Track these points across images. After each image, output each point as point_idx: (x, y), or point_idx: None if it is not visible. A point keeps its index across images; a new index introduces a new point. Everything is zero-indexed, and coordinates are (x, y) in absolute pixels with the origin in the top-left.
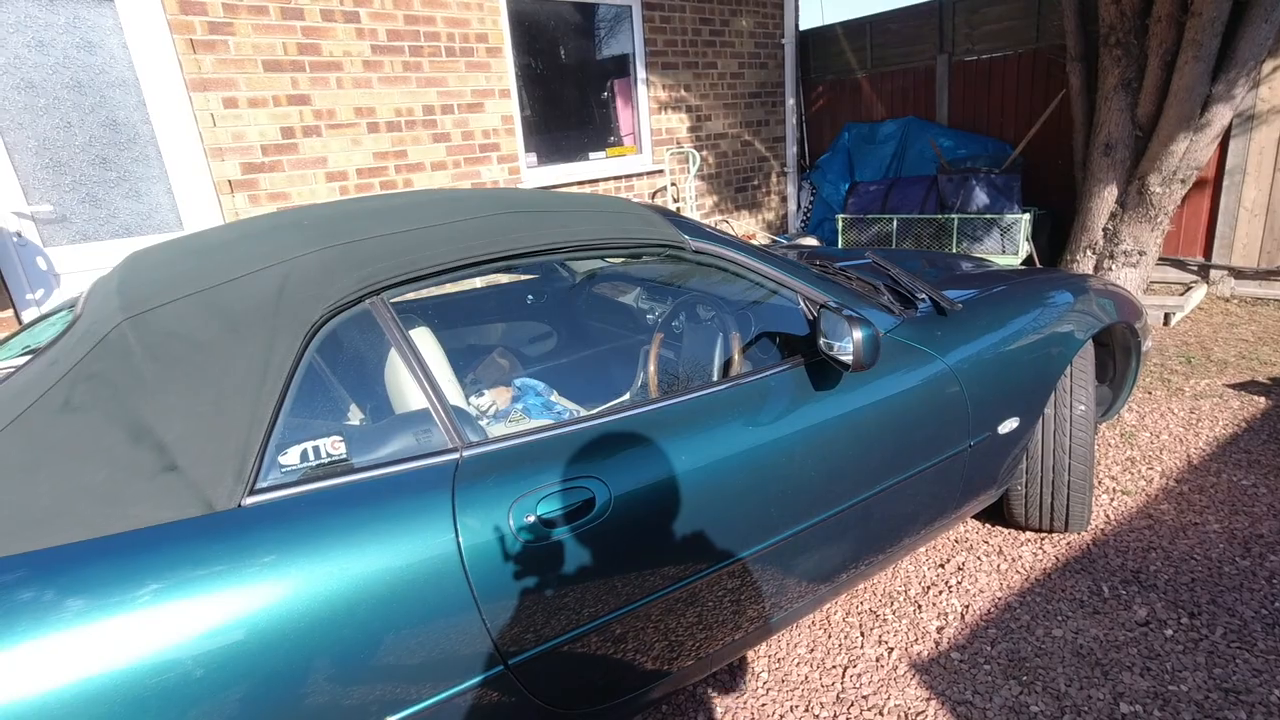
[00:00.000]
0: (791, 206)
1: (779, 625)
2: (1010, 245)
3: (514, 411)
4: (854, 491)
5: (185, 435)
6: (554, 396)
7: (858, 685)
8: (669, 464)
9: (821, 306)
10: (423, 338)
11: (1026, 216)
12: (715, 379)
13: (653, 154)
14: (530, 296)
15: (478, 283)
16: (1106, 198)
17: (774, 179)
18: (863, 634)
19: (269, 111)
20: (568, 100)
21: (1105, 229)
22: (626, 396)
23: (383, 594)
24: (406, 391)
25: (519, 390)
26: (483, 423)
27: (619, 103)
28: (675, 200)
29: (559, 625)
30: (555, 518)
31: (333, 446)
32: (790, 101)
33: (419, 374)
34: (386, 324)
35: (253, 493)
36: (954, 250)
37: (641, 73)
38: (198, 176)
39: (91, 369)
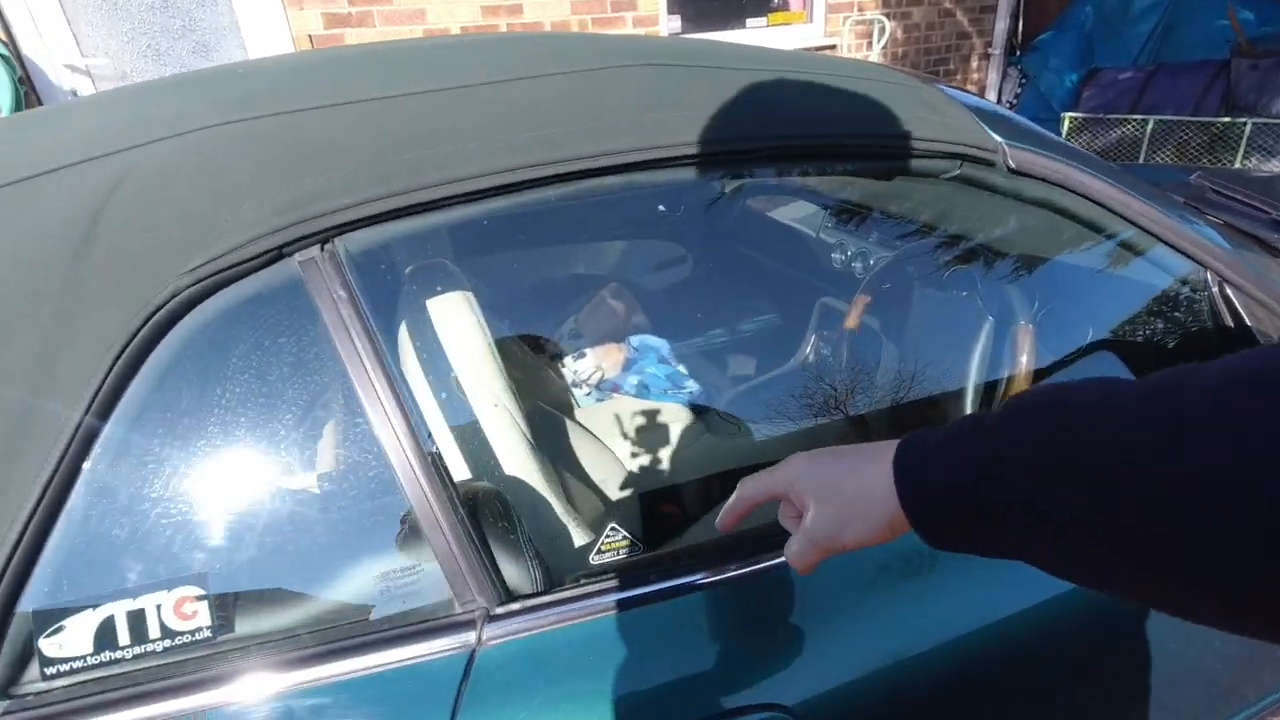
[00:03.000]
0: (990, 98)
1: None
2: None
3: (625, 385)
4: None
5: None
6: (683, 364)
7: None
8: (933, 653)
9: None
10: (452, 317)
11: None
12: (969, 409)
13: (826, 24)
14: (662, 206)
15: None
16: None
17: (974, 62)
18: None
19: None
20: None
21: None
22: (789, 369)
23: None
24: (370, 464)
25: (635, 352)
26: (582, 393)
27: None
28: None
29: None
30: None
31: (180, 610)
32: None
33: (399, 419)
34: (341, 308)
35: None
36: (1237, 167)
37: None
38: (275, 29)
39: None
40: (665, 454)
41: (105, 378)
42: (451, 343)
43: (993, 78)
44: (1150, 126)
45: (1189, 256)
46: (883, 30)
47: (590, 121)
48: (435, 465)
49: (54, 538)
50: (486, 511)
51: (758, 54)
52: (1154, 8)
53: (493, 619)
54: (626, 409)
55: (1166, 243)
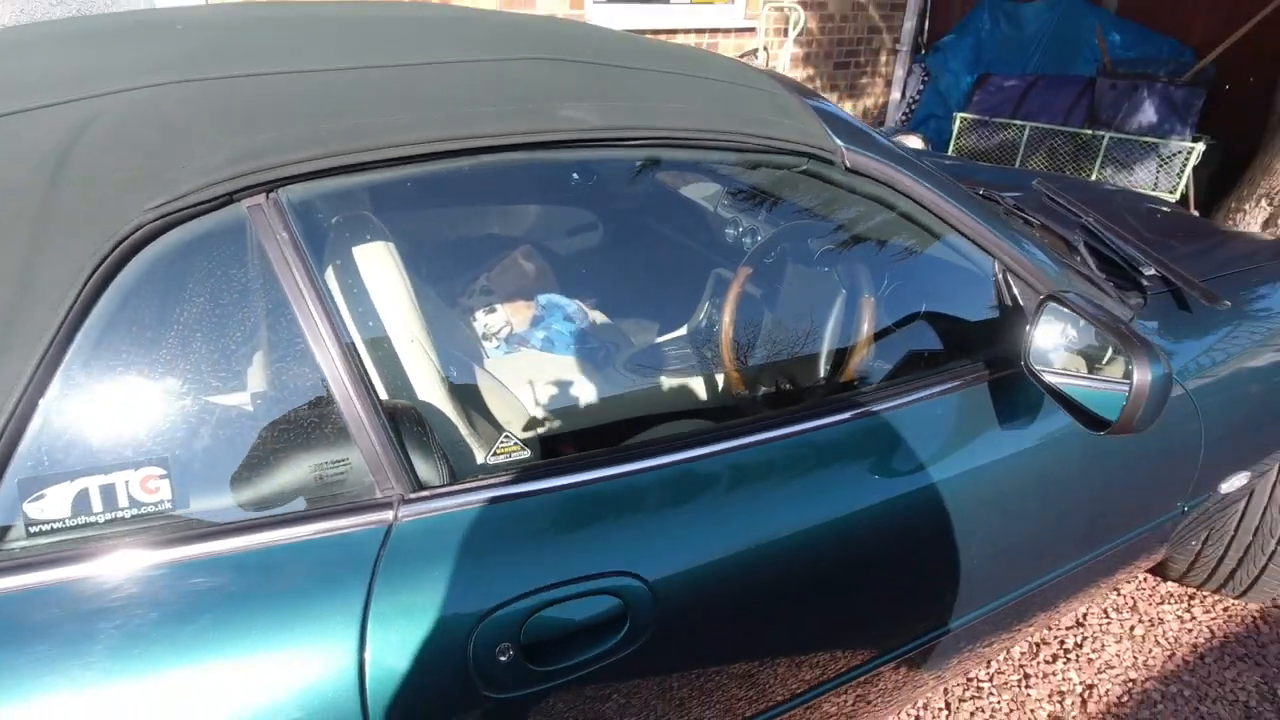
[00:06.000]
0: (895, 95)
1: None
2: (1167, 179)
3: (533, 339)
4: (1017, 583)
5: None
6: (587, 323)
7: None
8: (760, 548)
9: (1049, 298)
10: (375, 264)
11: (1199, 147)
12: (823, 366)
13: (747, 6)
14: (576, 175)
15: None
16: None
17: (883, 57)
18: (950, 707)
19: None
20: None
21: None
22: (684, 333)
23: None
24: (306, 375)
25: (543, 310)
26: (491, 345)
27: None
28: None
29: None
30: (552, 647)
31: (146, 485)
32: None
33: (332, 339)
34: (284, 248)
35: None
36: (1094, 177)
37: None
38: None
39: None
40: (565, 401)
41: (79, 293)
42: (375, 286)
43: (899, 73)
44: (1027, 133)
45: (983, 248)
46: (798, 18)
47: (506, 102)
48: (362, 377)
49: (36, 421)
50: (404, 417)
51: (649, 49)
52: (1040, 20)
53: (407, 502)
54: (532, 362)
55: (966, 236)
